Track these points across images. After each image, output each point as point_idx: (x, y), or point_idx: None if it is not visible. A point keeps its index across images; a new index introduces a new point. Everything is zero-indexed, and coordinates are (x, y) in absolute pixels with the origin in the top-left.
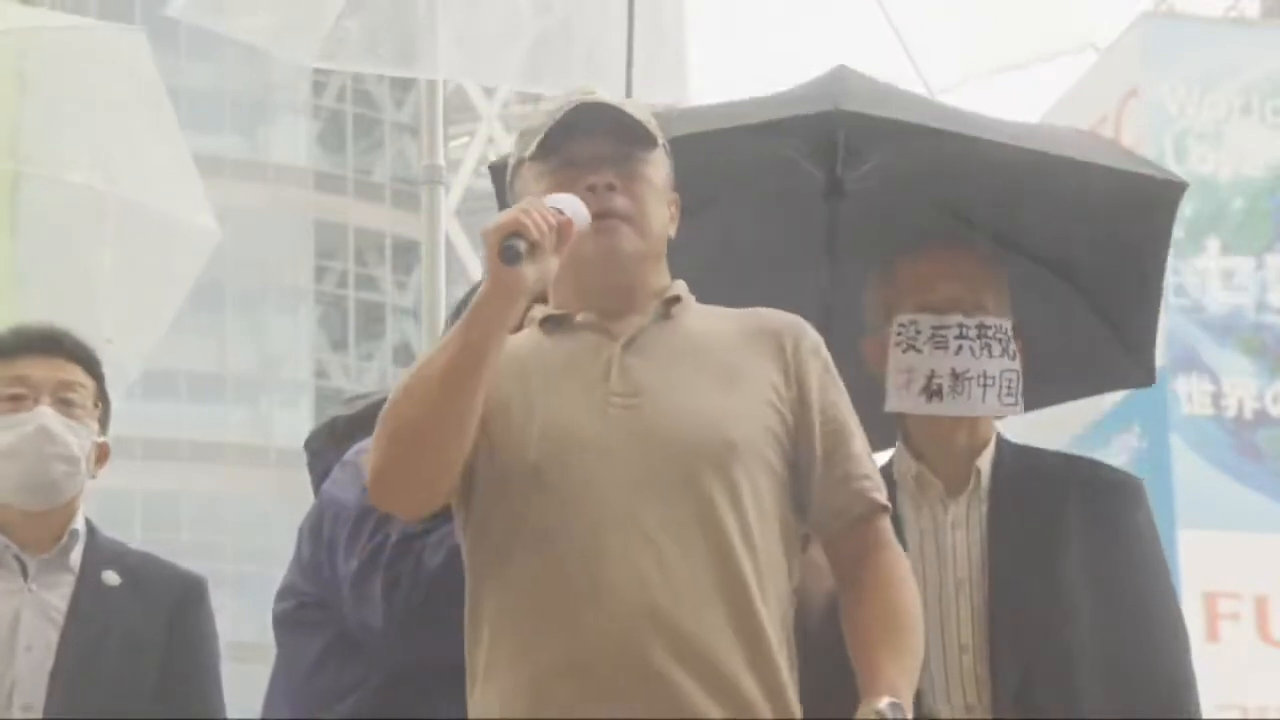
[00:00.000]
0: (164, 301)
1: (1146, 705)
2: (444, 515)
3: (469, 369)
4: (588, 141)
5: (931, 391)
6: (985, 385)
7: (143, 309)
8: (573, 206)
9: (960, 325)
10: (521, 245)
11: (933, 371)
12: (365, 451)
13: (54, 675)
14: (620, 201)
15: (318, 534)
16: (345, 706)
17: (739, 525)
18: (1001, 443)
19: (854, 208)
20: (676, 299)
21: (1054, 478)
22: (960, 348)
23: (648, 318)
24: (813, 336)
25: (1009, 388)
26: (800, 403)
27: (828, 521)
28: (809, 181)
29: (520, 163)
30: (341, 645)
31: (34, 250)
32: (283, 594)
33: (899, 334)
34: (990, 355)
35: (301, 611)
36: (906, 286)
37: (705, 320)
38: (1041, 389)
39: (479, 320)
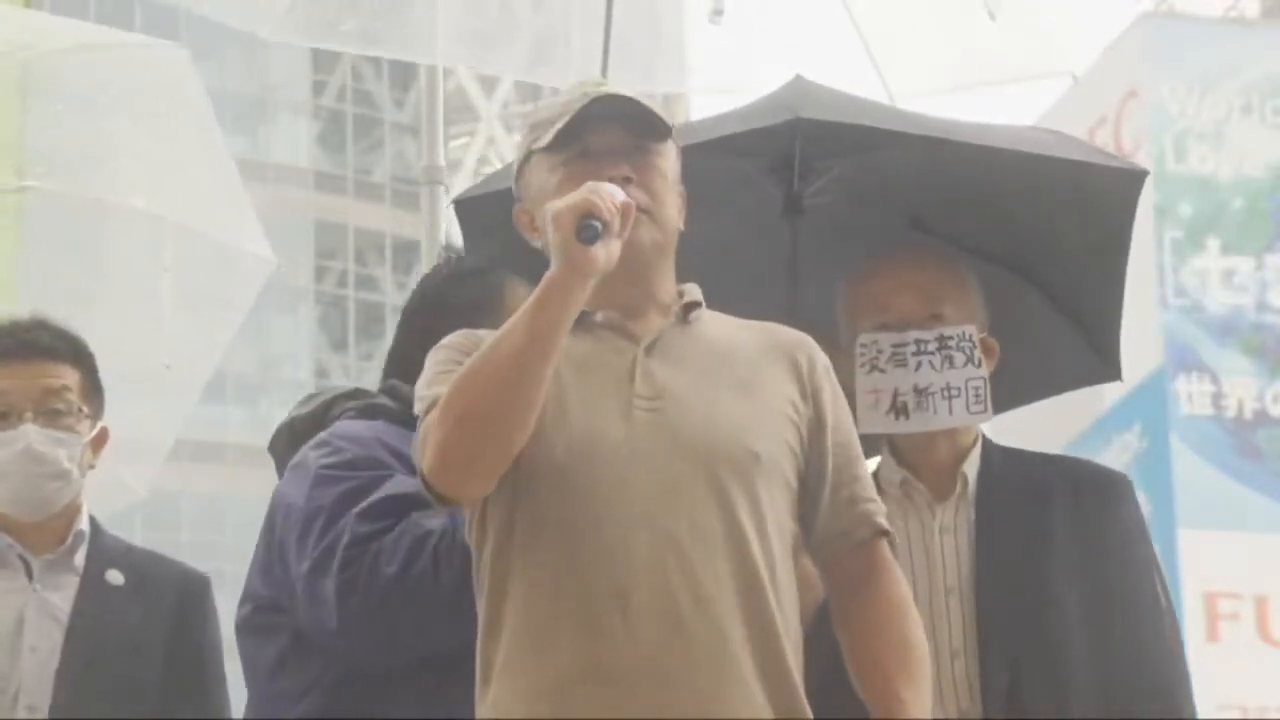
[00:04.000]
0: (220, 329)
1: (1136, 704)
2: (393, 514)
3: (539, 353)
4: (602, 133)
5: (898, 410)
6: (950, 397)
7: (200, 336)
8: (618, 196)
9: (918, 341)
10: (599, 225)
11: (896, 390)
12: (321, 447)
13: (59, 675)
14: (637, 194)
15: (270, 534)
16: (303, 706)
17: (759, 536)
18: (988, 447)
19: (814, 222)
20: (696, 304)
21: (1040, 479)
22: (920, 364)
23: (667, 321)
24: (824, 357)
25: (976, 395)
26: (816, 421)
27: (831, 541)
28: (768, 198)
29: (529, 155)
30: (298, 646)
31: (92, 274)
32: (242, 600)
33: (861, 354)
34: (953, 366)
35: (257, 616)
36: (863, 306)
37: (722, 329)
38: (1009, 391)
39: (550, 302)
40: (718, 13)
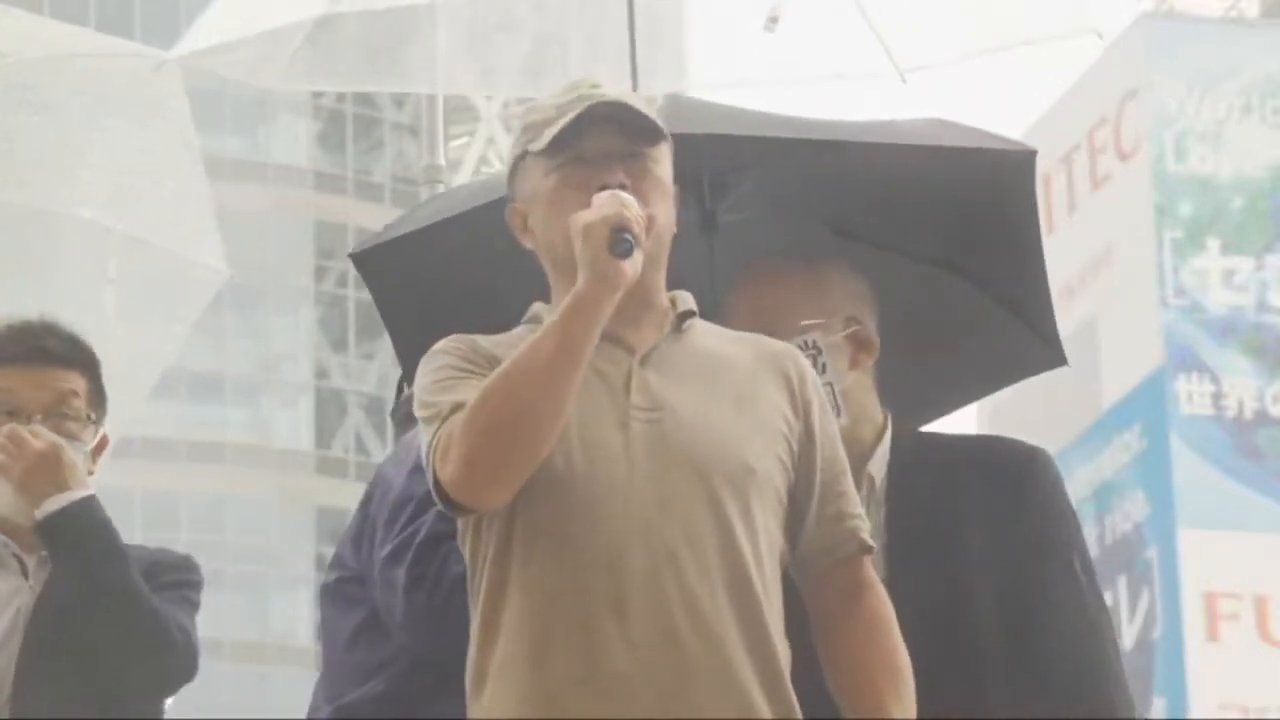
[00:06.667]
0: (165, 342)
1: (1058, 688)
2: None
3: (569, 365)
4: (597, 138)
5: None
6: None
7: (144, 349)
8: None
9: None
10: (632, 238)
11: None
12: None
13: (17, 669)
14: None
15: (366, 507)
16: (373, 685)
17: (753, 549)
18: (900, 441)
19: (731, 239)
20: (690, 313)
21: (951, 465)
22: None
23: (662, 331)
24: (812, 370)
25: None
26: (806, 435)
27: (815, 558)
28: (685, 219)
29: (524, 155)
30: (376, 623)
31: (35, 286)
32: (331, 564)
33: None
34: None
35: (341, 585)
36: None
37: (715, 340)
38: (959, 389)
39: (580, 315)
40: (774, 20)
